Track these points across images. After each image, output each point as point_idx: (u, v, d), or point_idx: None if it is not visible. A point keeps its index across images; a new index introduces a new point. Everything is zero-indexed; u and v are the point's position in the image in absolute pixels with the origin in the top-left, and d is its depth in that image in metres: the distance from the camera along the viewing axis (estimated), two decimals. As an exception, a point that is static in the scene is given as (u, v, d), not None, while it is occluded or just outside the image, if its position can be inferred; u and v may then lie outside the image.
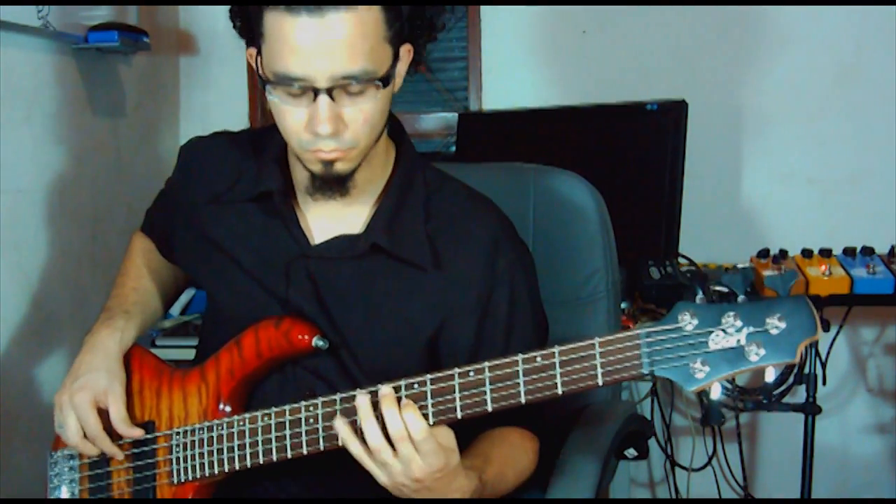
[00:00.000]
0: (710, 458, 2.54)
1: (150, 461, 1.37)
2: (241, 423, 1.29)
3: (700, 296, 1.08)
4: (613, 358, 1.08)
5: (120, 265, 1.58)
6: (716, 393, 1.99)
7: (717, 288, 1.91)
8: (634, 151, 2.37)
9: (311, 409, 1.23)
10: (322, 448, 1.22)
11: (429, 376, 1.16)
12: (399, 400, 1.15)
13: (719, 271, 2.24)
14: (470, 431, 1.29)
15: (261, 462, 1.27)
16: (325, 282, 1.35)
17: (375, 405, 1.15)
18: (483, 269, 1.34)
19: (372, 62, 1.19)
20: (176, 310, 2.42)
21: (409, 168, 1.39)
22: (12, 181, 2.08)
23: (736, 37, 2.57)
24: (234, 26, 1.28)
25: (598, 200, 1.64)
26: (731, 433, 2.57)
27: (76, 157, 2.31)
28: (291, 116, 1.23)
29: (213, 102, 2.88)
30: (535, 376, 1.12)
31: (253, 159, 1.42)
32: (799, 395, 2.17)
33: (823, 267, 2.01)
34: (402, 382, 1.17)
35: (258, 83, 1.29)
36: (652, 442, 2.28)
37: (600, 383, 1.09)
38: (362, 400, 1.15)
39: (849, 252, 2.06)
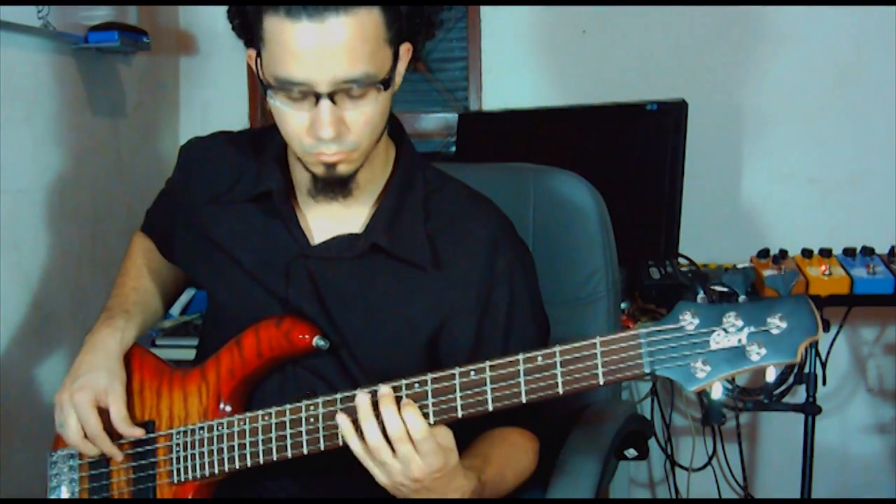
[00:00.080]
0: (710, 458, 2.54)
1: (150, 461, 1.37)
2: (242, 423, 1.29)
3: (701, 295, 1.08)
4: (614, 357, 1.08)
5: (120, 265, 1.58)
6: (717, 393, 1.98)
7: (718, 288, 1.91)
8: (634, 151, 2.37)
9: (312, 408, 1.23)
10: (322, 448, 1.22)
11: (430, 375, 1.16)
12: (400, 399, 1.15)
13: (719, 271, 2.23)
14: (470, 431, 1.29)
15: (261, 462, 1.27)
16: (325, 282, 1.35)
17: (375, 405, 1.15)
18: (483, 268, 1.34)
19: (373, 65, 1.19)
20: (176, 310, 2.42)
21: (409, 168, 1.39)
22: (12, 181, 2.08)
23: (735, 36, 2.57)
24: (233, 26, 1.28)
25: (598, 200, 1.64)
26: (731, 433, 2.57)
27: (76, 157, 2.31)
28: (293, 120, 1.23)
29: (213, 102, 2.88)
30: (536, 376, 1.11)
31: (253, 159, 1.42)
32: (799, 395, 2.17)
33: (823, 267, 2.01)
34: (404, 382, 1.17)
35: (259, 86, 1.29)
36: (652, 442, 2.28)
37: (601, 383, 1.09)
38: (362, 399, 1.15)
39: (849, 252, 2.06)
